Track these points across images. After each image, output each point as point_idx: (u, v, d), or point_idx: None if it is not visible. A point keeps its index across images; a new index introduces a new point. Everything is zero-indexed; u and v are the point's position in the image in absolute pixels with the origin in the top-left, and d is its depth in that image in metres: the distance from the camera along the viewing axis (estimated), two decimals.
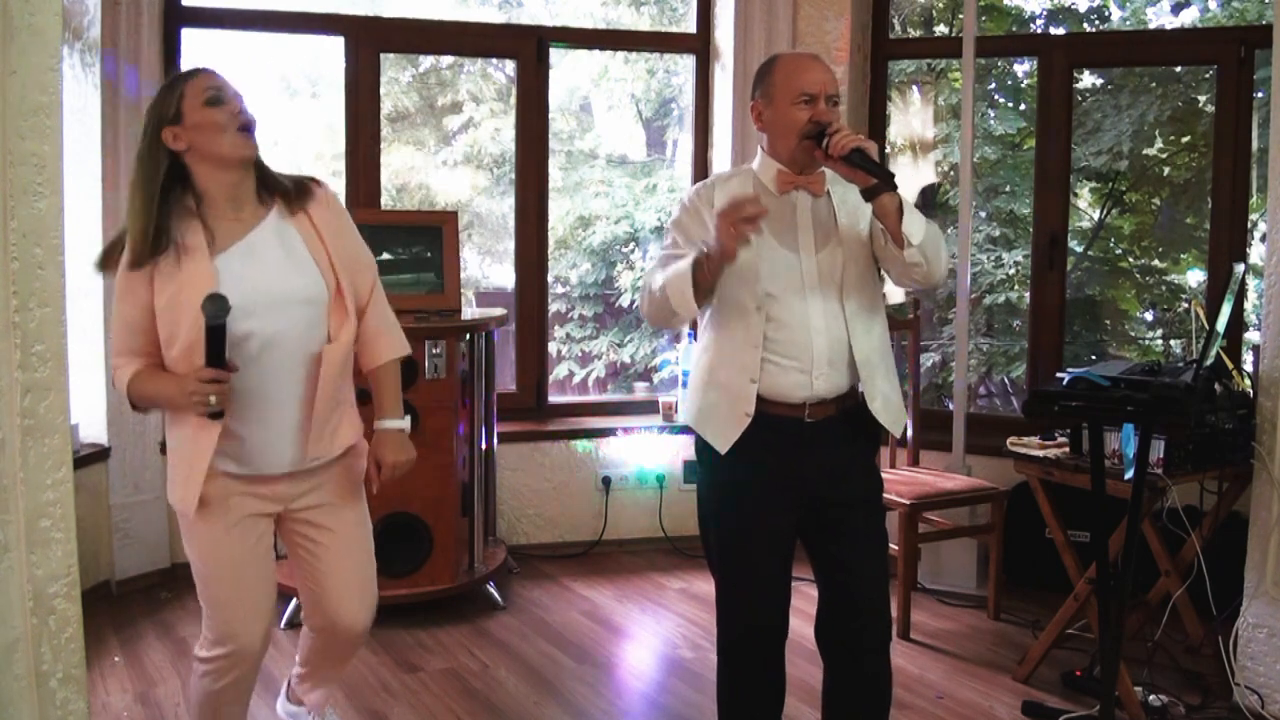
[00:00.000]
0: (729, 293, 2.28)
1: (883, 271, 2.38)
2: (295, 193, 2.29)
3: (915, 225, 2.22)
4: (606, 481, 4.63)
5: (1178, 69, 6.18)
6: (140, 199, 2.14)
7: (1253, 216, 4.72)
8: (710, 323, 2.37)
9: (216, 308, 2.04)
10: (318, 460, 2.31)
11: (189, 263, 2.14)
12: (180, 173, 2.17)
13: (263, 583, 2.35)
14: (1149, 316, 6.96)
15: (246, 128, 2.18)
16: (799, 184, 2.32)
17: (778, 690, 2.43)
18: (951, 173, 6.28)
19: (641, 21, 6.83)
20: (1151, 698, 3.05)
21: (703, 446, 2.37)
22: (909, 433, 4.04)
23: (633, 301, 6.77)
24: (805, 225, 2.32)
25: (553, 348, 6.53)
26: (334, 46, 4.42)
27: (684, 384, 4.77)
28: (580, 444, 4.61)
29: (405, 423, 2.43)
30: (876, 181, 2.17)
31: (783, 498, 2.32)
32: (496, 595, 3.97)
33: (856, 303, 2.31)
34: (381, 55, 4.48)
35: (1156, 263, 6.80)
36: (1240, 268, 3.02)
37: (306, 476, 2.32)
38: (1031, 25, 6.78)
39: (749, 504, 2.33)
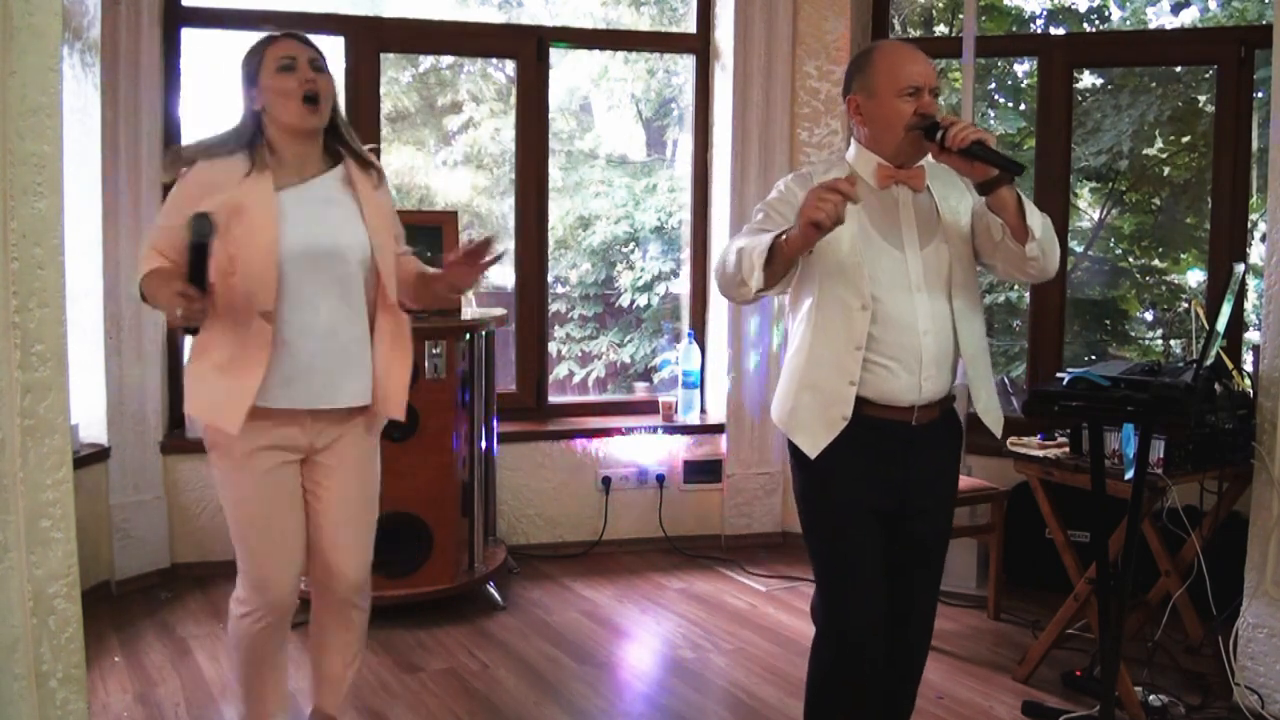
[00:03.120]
0: (832, 290, 2.20)
1: (984, 265, 2.33)
2: (360, 166, 2.42)
3: (1035, 218, 2.17)
4: (606, 481, 4.63)
5: (1178, 69, 6.18)
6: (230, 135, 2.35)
7: (1253, 216, 4.72)
8: (806, 321, 2.26)
9: (200, 226, 2.09)
10: (347, 403, 2.41)
11: (254, 195, 2.27)
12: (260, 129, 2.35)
13: (294, 531, 2.45)
14: (1149, 316, 6.96)
15: (311, 98, 2.28)
16: (899, 178, 2.24)
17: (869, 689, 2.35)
18: None
19: (641, 21, 6.83)
20: (1151, 698, 3.05)
21: (797, 449, 2.29)
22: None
23: (632, 301, 6.78)
24: (909, 221, 2.25)
25: (553, 348, 6.53)
26: (334, 46, 4.41)
27: (684, 384, 4.77)
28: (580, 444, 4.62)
29: None
30: (998, 174, 2.12)
31: (882, 501, 2.26)
32: (496, 595, 3.97)
33: (963, 301, 2.26)
34: (381, 55, 4.48)
35: (1156, 263, 6.80)
36: (1240, 268, 3.02)
37: (331, 423, 2.42)
38: (1031, 25, 6.79)
39: (852, 505, 2.26)
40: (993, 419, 2.35)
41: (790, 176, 2.33)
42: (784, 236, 2.06)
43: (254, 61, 2.32)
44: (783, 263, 2.10)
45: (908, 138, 2.20)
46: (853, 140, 2.32)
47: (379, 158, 2.56)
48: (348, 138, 2.44)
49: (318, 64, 2.33)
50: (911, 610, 2.34)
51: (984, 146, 2.10)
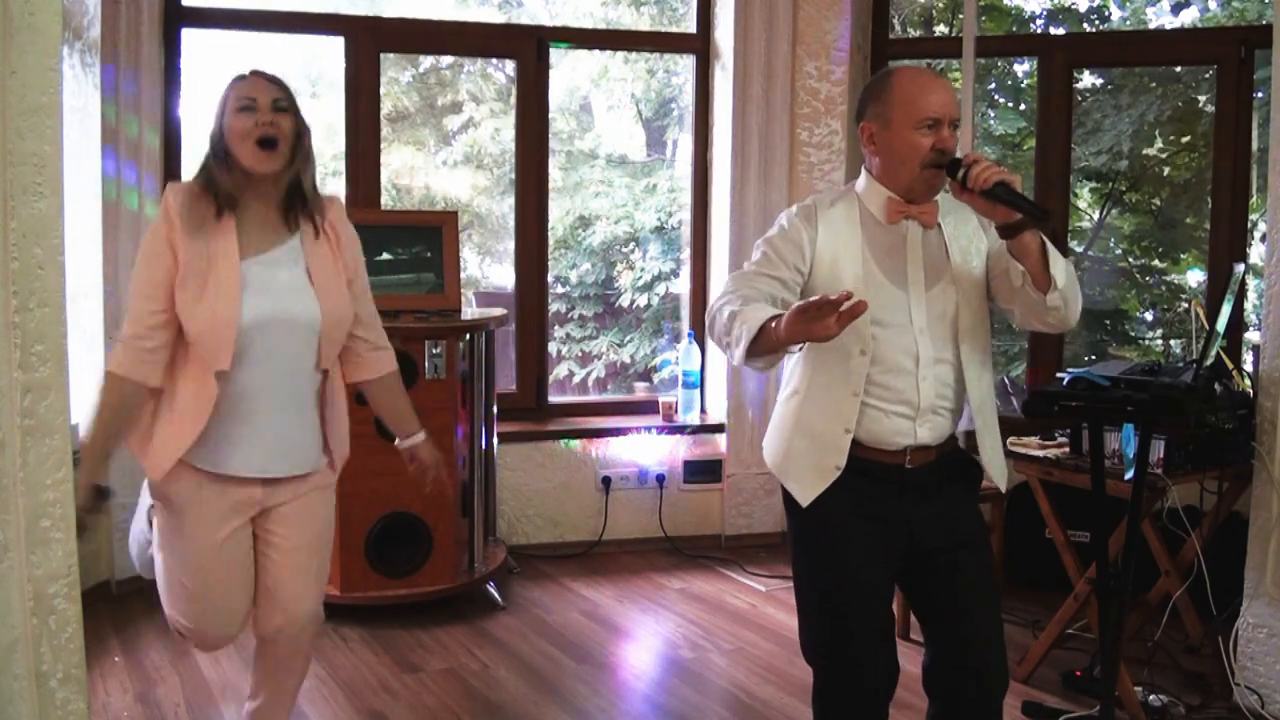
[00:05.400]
0: None
1: (1001, 310, 2.19)
2: (321, 221, 2.33)
3: (1059, 266, 2.02)
4: (606, 481, 4.63)
5: (1178, 69, 6.18)
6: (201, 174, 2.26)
7: (1253, 216, 4.72)
8: (804, 362, 2.16)
9: (100, 497, 2.20)
10: (295, 471, 2.34)
11: (220, 257, 2.19)
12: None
13: (243, 591, 2.37)
14: (1149, 316, 6.96)
15: (265, 142, 2.20)
16: (910, 214, 2.12)
17: None
18: None
19: (641, 21, 6.83)
20: (1151, 698, 3.06)
21: (789, 495, 2.20)
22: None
23: (632, 301, 6.79)
24: (915, 260, 2.12)
25: (553, 348, 6.53)
26: (334, 46, 4.41)
27: (684, 384, 4.77)
28: (577, 444, 4.62)
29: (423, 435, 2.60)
30: (1021, 217, 1.98)
31: (881, 546, 2.15)
32: (496, 595, 3.97)
33: (970, 346, 2.14)
34: (381, 55, 4.47)
35: (1156, 263, 6.80)
36: (1240, 268, 3.02)
37: (282, 483, 2.34)
38: (1031, 25, 6.79)
39: (846, 555, 2.14)
40: (998, 471, 2.24)
41: (795, 210, 2.19)
42: (774, 323, 1.87)
43: (222, 99, 2.26)
44: (766, 346, 1.91)
45: (923, 173, 2.08)
46: (864, 170, 2.19)
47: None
48: (309, 196, 2.30)
49: (280, 104, 2.23)
50: (975, 648, 2.16)
51: (1008, 189, 1.97)
